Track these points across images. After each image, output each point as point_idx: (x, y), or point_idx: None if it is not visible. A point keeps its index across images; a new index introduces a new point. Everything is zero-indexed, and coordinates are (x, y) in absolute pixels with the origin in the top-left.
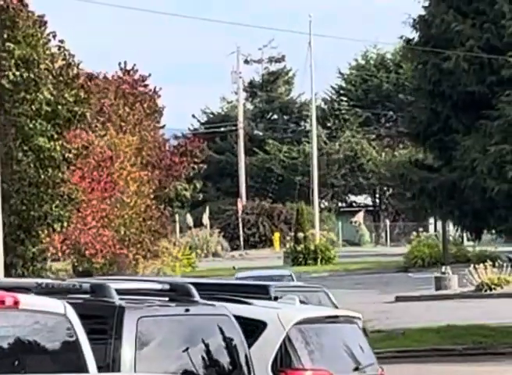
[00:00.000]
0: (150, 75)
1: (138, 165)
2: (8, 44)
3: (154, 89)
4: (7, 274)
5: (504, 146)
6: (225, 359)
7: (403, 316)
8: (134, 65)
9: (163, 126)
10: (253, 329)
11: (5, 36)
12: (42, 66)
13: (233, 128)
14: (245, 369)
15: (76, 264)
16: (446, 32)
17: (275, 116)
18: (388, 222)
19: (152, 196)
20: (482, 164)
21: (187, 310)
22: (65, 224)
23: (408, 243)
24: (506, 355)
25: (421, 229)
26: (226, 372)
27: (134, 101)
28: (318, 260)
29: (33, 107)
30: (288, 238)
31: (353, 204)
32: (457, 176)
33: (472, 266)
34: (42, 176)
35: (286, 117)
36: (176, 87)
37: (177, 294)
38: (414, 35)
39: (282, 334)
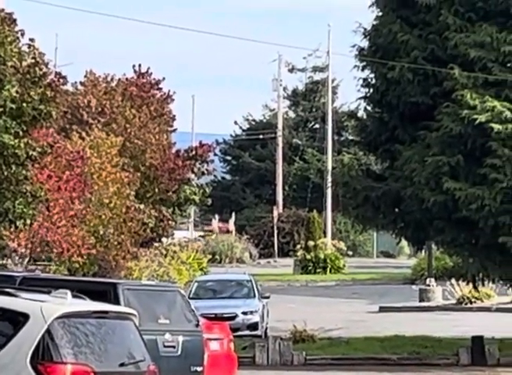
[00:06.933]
0: (164, 79)
1: (121, 166)
2: None
3: (168, 93)
4: None
5: (441, 157)
6: None
7: (374, 325)
8: (148, 68)
9: (174, 130)
10: (16, 321)
11: None
12: (9, 64)
13: (274, 136)
14: None
15: (56, 263)
16: (393, 42)
17: (317, 126)
18: None
19: (132, 197)
20: (420, 175)
21: None
22: (28, 222)
23: None
24: (441, 367)
25: None
26: None
27: (141, 103)
28: (328, 269)
29: None
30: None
31: None
32: (400, 186)
33: (454, 279)
34: (5, 173)
35: (327, 127)
36: (221, 94)
37: None
38: (365, 44)
39: (43, 327)
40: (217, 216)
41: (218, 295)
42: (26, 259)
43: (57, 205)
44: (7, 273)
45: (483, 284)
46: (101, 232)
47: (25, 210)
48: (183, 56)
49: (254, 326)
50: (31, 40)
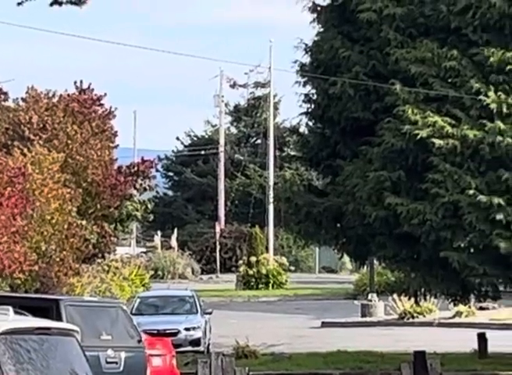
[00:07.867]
0: (105, 94)
1: (63, 182)
2: None
3: (110, 109)
4: None
5: (383, 173)
6: None
7: (317, 341)
8: (90, 84)
9: (116, 146)
10: None
11: None
12: None
13: (216, 151)
14: None
15: None
16: (334, 58)
17: (259, 141)
18: None
19: (74, 214)
20: (362, 190)
21: None
22: None
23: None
24: None
25: None
26: None
27: (83, 119)
28: (270, 285)
29: None
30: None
31: None
32: (342, 202)
33: (396, 294)
34: None
35: (269, 142)
36: (163, 110)
37: None
38: (307, 60)
39: None
40: (159, 232)
41: (161, 311)
42: None
43: None
44: None
45: (425, 299)
46: (43, 248)
47: None
48: (125, 72)
49: (196, 342)
50: None
